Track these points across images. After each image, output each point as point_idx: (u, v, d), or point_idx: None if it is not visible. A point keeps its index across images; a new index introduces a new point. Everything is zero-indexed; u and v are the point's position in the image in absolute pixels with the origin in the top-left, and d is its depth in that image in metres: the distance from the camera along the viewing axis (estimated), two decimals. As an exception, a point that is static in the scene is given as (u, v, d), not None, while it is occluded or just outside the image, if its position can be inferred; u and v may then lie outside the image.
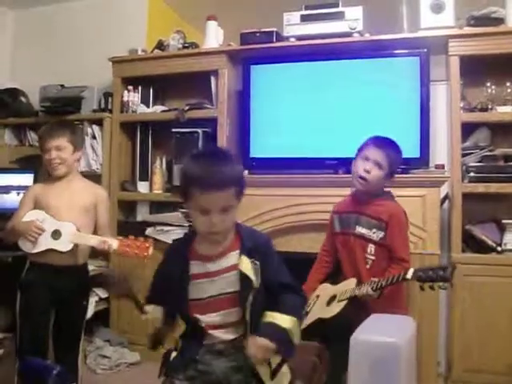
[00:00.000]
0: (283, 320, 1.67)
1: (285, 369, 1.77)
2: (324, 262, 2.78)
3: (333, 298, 2.52)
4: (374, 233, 2.48)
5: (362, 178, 2.52)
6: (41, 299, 2.61)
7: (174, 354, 1.83)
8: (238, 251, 1.74)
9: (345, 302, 2.41)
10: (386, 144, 2.55)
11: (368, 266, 2.47)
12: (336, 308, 2.43)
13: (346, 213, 2.63)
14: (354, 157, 2.64)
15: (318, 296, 2.65)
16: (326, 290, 2.63)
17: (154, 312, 1.82)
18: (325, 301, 2.54)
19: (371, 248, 2.46)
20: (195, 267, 1.75)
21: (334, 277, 2.67)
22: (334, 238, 2.69)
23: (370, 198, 2.55)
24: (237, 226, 1.79)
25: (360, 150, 2.61)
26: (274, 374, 1.72)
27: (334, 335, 2.34)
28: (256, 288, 1.71)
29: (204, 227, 1.67)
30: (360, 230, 2.52)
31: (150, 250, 2.56)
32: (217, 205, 1.62)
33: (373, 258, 2.46)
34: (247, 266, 1.71)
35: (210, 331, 1.75)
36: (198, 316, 1.75)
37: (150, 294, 1.87)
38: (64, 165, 2.69)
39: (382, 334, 1.23)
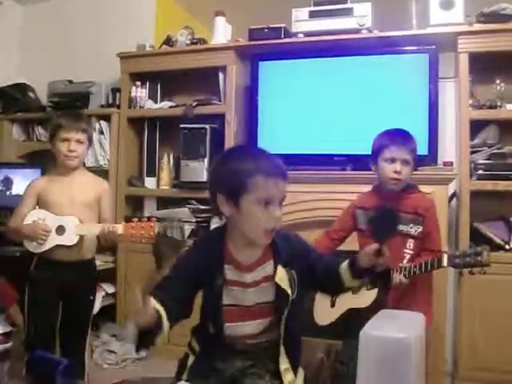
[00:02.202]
0: None
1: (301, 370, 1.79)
2: (326, 246, 2.68)
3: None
4: (411, 227, 2.44)
5: (394, 179, 2.47)
6: (48, 294, 2.62)
7: (191, 359, 1.76)
8: (271, 261, 1.67)
9: (376, 292, 2.38)
10: (405, 139, 2.50)
11: (405, 261, 2.44)
12: (369, 297, 2.39)
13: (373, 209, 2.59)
14: (372, 158, 2.56)
15: None
16: None
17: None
18: None
19: (410, 243, 2.43)
20: (229, 272, 1.66)
21: None
22: (358, 233, 2.64)
23: (400, 192, 2.52)
24: None
25: (378, 151, 2.51)
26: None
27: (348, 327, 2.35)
28: (292, 299, 1.66)
29: (265, 222, 1.57)
30: (398, 226, 2.48)
31: (156, 229, 2.57)
32: (280, 194, 1.57)
33: (411, 252, 2.43)
34: (283, 276, 1.65)
35: (235, 340, 1.70)
36: (229, 324, 1.67)
37: (160, 288, 1.63)
38: (79, 159, 2.70)
39: (392, 329, 1.23)
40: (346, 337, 2.36)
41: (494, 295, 3.05)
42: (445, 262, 2.22)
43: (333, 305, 2.55)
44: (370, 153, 2.58)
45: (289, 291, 1.65)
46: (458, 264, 2.22)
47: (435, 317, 2.97)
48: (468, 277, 3.06)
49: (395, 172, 2.45)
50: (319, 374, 2.02)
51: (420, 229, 2.44)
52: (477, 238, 3.19)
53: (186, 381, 1.71)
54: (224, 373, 1.70)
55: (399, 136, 2.51)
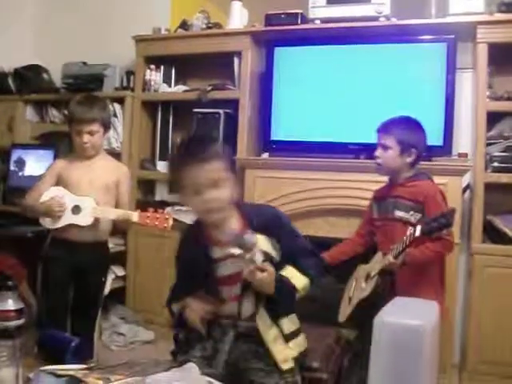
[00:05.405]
0: (300, 280, 1.74)
1: (301, 338, 1.81)
2: (355, 241, 2.78)
3: (368, 277, 2.52)
4: (411, 215, 2.46)
5: (376, 163, 2.57)
6: (61, 273, 2.65)
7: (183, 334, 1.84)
8: (249, 231, 1.71)
9: (376, 278, 2.41)
10: (389, 125, 2.56)
11: (407, 249, 2.43)
12: (369, 286, 2.43)
13: (384, 198, 2.62)
14: None
15: (356, 279, 2.65)
16: (361, 271, 2.63)
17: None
18: (362, 282, 2.55)
19: (411, 231, 2.44)
20: (216, 252, 1.76)
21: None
22: (373, 223, 2.69)
23: (405, 180, 2.54)
24: (239, 206, 1.80)
25: None
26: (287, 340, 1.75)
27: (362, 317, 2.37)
28: (276, 262, 1.72)
29: (199, 207, 1.70)
30: (398, 213, 2.50)
31: (170, 222, 2.58)
32: (200, 179, 1.65)
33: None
34: (263, 242, 1.70)
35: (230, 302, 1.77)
36: (223, 287, 1.77)
37: (177, 289, 1.88)
38: (94, 148, 2.70)
39: (407, 316, 1.22)
40: (359, 327, 2.40)
41: (505, 288, 3.02)
42: (418, 233, 2.24)
43: (350, 301, 2.58)
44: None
45: (273, 254, 1.71)
46: (425, 230, 2.23)
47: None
48: (480, 270, 3.08)
49: (375, 157, 2.55)
50: (329, 361, 2.03)
51: (419, 216, 2.44)
52: (490, 230, 3.17)
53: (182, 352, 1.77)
54: (229, 355, 1.73)
55: (385, 123, 2.59)
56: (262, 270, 1.62)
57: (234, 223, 1.76)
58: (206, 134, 1.82)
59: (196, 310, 1.73)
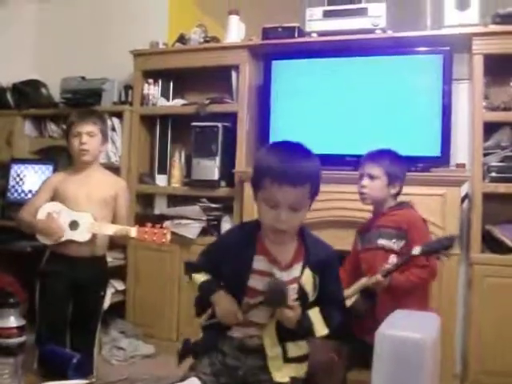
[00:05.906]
0: (321, 328, 1.73)
1: (303, 365, 1.78)
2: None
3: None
4: (394, 243, 2.46)
5: (361, 194, 2.56)
6: (59, 288, 2.63)
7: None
8: (301, 263, 1.71)
9: (355, 296, 2.41)
10: (375, 156, 2.57)
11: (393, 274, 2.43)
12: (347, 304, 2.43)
13: (367, 230, 2.63)
14: None
15: None
16: None
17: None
18: None
19: (393, 259, 2.44)
20: (260, 263, 1.71)
21: None
22: (359, 256, 2.67)
23: (387, 210, 2.55)
24: (302, 232, 1.75)
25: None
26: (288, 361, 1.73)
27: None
28: (310, 302, 1.72)
29: (269, 221, 1.62)
30: (381, 241, 2.50)
31: (168, 237, 2.59)
32: (287, 201, 1.57)
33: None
34: (308, 280, 1.70)
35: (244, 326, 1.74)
36: (247, 298, 1.72)
37: (205, 261, 1.84)
38: (91, 153, 2.69)
39: (407, 329, 1.22)
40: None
41: (504, 298, 3.03)
42: (416, 252, 2.26)
43: None
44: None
45: (309, 294, 1.70)
46: (427, 251, 2.25)
47: (445, 319, 2.97)
48: (480, 279, 3.08)
49: (361, 186, 2.54)
50: (332, 374, 2.02)
51: (402, 243, 2.45)
52: (489, 240, 3.18)
53: (197, 376, 1.70)
54: (236, 371, 1.71)
55: (370, 154, 2.59)
56: (291, 308, 1.62)
57: (292, 246, 1.73)
58: (307, 150, 1.70)
59: (230, 310, 1.70)
